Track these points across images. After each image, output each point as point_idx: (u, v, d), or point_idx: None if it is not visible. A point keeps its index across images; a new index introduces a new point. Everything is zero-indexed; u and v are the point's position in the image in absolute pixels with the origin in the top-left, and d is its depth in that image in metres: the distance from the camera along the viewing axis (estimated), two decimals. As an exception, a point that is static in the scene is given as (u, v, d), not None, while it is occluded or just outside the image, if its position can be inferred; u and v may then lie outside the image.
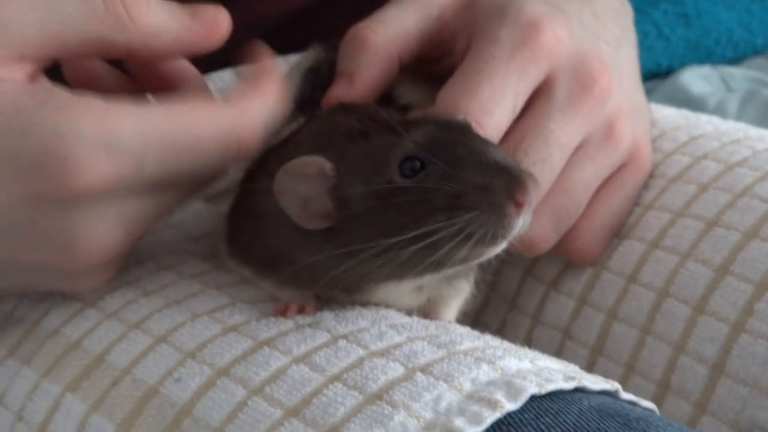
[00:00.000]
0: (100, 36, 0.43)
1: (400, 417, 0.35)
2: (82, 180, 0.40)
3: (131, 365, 0.43)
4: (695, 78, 0.94)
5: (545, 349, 0.53)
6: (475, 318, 0.58)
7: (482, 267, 0.48)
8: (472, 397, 0.36)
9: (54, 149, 0.39)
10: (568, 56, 0.50)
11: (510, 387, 0.36)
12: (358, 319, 0.43)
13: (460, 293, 0.48)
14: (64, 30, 0.43)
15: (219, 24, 0.46)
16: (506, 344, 0.42)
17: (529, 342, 0.54)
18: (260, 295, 0.46)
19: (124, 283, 0.48)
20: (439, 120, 0.43)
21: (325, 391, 0.38)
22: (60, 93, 0.42)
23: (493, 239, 0.40)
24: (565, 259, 0.53)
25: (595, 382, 0.39)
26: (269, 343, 0.41)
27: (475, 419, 0.35)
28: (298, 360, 0.40)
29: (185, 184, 0.44)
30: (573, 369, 0.40)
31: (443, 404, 0.36)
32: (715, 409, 0.46)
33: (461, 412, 0.35)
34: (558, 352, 0.53)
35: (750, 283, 0.47)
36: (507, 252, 0.46)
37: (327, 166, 0.42)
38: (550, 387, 0.37)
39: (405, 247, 0.40)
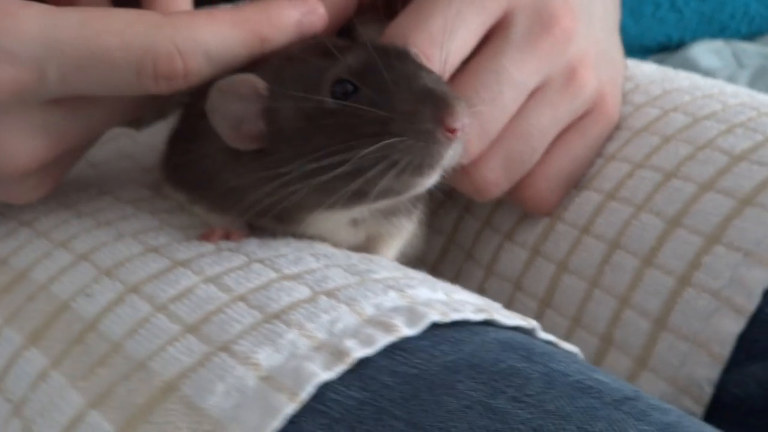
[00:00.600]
0: None
1: (291, 335, 0.34)
2: (7, 74, 0.39)
3: (49, 281, 0.42)
4: (706, 52, 0.91)
5: (496, 300, 0.51)
6: (433, 267, 0.56)
7: (421, 204, 0.47)
8: (371, 321, 0.35)
9: None
10: None
11: (412, 313, 0.35)
12: (281, 247, 0.42)
13: (401, 232, 0.46)
14: None
15: None
16: (428, 278, 0.41)
17: (481, 293, 0.53)
18: (193, 221, 0.45)
19: (62, 205, 0.48)
20: (378, 45, 0.42)
21: (227, 310, 0.37)
22: None
23: (420, 168, 0.39)
24: (520, 207, 0.51)
25: (509, 317, 0.37)
26: (185, 263, 0.40)
27: (367, 341, 0.33)
28: (208, 280, 0.39)
29: (108, 103, 0.43)
30: (489, 304, 0.39)
31: (339, 326, 0.35)
32: (655, 365, 0.44)
33: (355, 334, 0.34)
34: (508, 304, 0.51)
35: (700, 235, 0.45)
36: (445, 191, 0.45)
37: (260, 85, 0.41)
38: (455, 316, 0.35)
39: (328, 171, 0.39)
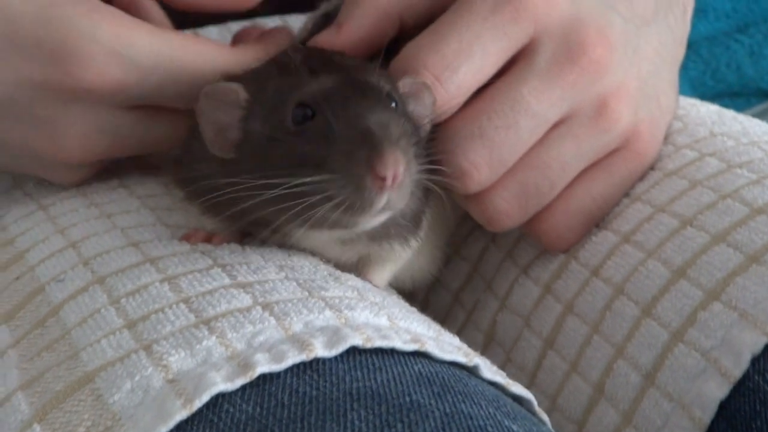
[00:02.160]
0: None
1: (209, 342, 0.34)
2: (89, 77, 0.43)
3: (38, 263, 0.44)
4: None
5: (506, 334, 0.50)
6: (456, 294, 0.55)
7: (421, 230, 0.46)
8: (292, 338, 0.34)
9: (72, 44, 0.43)
10: (561, 21, 0.45)
11: (334, 335, 0.34)
12: (252, 254, 0.42)
13: (391, 256, 0.45)
14: None
15: None
16: (387, 300, 0.40)
17: (492, 326, 0.51)
18: (189, 221, 0.46)
19: (80, 193, 0.50)
20: (351, 75, 0.41)
21: (167, 310, 0.37)
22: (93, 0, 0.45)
23: (352, 209, 0.38)
24: (535, 241, 0.49)
25: (446, 352, 0.36)
26: (154, 260, 0.41)
27: (277, 358, 0.33)
28: (165, 279, 0.39)
29: (173, 120, 0.47)
30: (435, 336, 0.37)
31: (259, 339, 0.34)
32: (639, 422, 0.42)
33: (269, 349, 0.34)
34: (516, 340, 0.49)
35: (701, 289, 0.42)
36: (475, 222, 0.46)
37: (242, 96, 0.41)
38: (380, 343, 0.34)
39: (272, 189, 0.39)
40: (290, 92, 0.40)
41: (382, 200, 0.38)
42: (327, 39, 0.46)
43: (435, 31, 0.45)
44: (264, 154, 0.40)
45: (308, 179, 0.37)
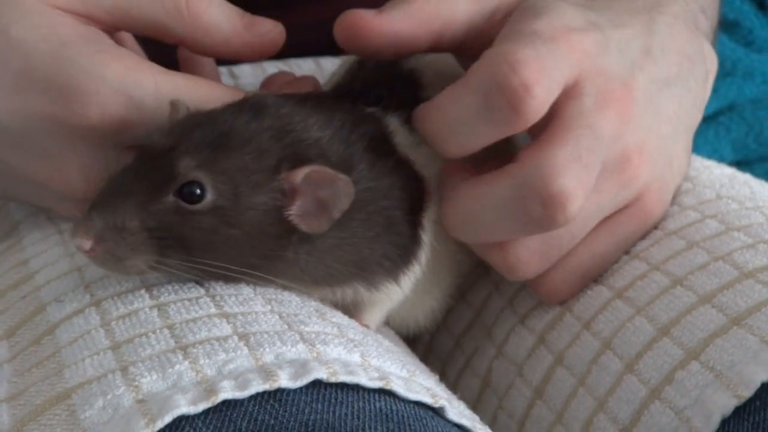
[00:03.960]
0: (160, 21, 0.48)
1: (182, 367, 0.36)
2: (91, 114, 0.45)
3: (44, 284, 0.46)
4: None
5: (499, 382, 0.51)
6: (457, 340, 0.56)
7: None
8: (262, 368, 0.35)
9: (79, 82, 0.45)
10: (594, 70, 0.44)
11: (301, 367, 0.35)
12: (245, 288, 0.43)
13: (377, 298, 0.46)
14: (132, 6, 0.48)
15: (272, 39, 0.50)
16: (367, 339, 0.41)
17: (488, 372, 0.52)
18: None
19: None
20: (157, 141, 0.43)
21: (150, 335, 0.38)
22: (105, 40, 0.47)
23: None
24: (532, 291, 0.50)
25: (411, 391, 0.37)
26: (149, 287, 0.43)
27: (241, 386, 0.34)
28: (155, 306, 0.41)
29: None
30: (406, 376, 0.38)
31: (230, 367, 0.36)
32: (612, 479, 0.42)
33: (236, 377, 0.35)
34: (508, 388, 0.50)
35: (682, 348, 0.42)
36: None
37: None
38: (344, 378, 0.35)
39: None
40: None
41: (101, 264, 0.41)
42: (366, 18, 0.46)
43: (511, 37, 0.43)
44: None
45: None
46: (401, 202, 0.45)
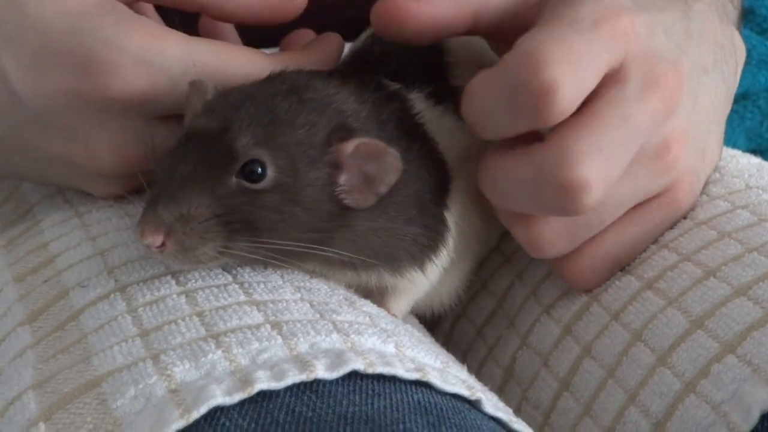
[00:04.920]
0: None
1: (215, 356, 0.35)
2: (118, 86, 0.44)
3: (66, 268, 0.45)
4: None
5: (524, 372, 0.50)
6: (479, 330, 0.55)
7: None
8: (297, 358, 0.35)
9: (101, 54, 0.44)
10: (644, 51, 0.43)
11: (337, 358, 0.35)
12: (272, 274, 0.42)
13: (404, 286, 0.46)
14: None
15: (293, 1, 0.48)
16: (399, 328, 0.40)
17: (512, 363, 0.51)
18: None
19: (116, 203, 0.51)
20: (202, 126, 0.41)
21: (180, 322, 0.38)
22: (124, 10, 0.46)
23: None
24: (559, 276, 0.49)
25: (449, 383, 0.36)
26: (176, 274, 0.42)
27: (277, 376, 0.34)
28: (183, 292, 0.40)
29: None
30: (441, 367, 0.37)
31: (264, 356, 0.35)
32: (645, 472, 0.41)
33: (272, 367, 0.34)
34: (533, 379, 0.49)
35: (718, 341, 0.41)
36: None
37: None
38: (382, 369, 0.35)
39: None
40: None
41: (167, 260, 0.40)
42: (403, 1, 0.45)
43: (546, 30, 0.42)
44: None
45: None
46: (430, 186, 0.45)
